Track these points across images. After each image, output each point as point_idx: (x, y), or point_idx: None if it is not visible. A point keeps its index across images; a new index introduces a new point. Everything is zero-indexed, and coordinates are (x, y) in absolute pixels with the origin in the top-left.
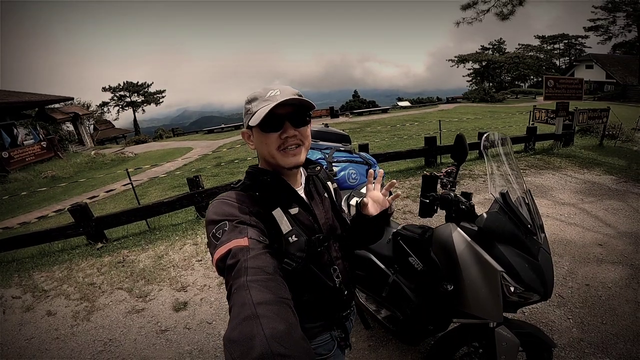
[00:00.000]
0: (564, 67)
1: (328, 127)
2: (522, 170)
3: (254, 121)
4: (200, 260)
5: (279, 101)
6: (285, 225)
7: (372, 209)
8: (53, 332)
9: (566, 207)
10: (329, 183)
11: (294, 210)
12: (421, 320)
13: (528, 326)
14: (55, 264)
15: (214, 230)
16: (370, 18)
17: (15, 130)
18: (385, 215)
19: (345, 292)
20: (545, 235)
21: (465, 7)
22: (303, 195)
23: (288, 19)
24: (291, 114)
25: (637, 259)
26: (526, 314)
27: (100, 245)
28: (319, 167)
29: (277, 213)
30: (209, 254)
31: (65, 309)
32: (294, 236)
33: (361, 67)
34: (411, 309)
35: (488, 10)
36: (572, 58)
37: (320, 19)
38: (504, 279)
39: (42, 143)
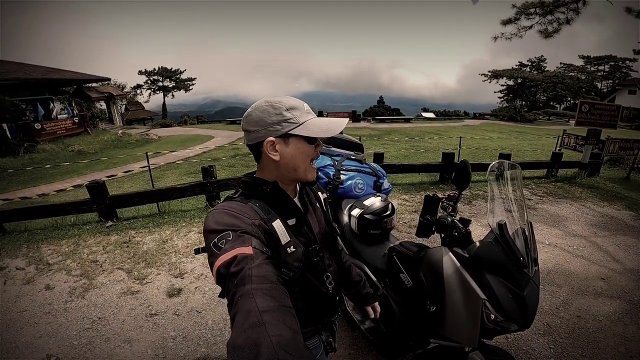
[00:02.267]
0: (605, 90)
1: (342, 133)
2: (539, 197)
3: (317, 132)
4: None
5: (346, 120)
6: (284, 237)
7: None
8: (46, 307)
9: (577, 239)
10: (319, 193)
11: (291, 221)
12: (403, 336)
13: (502, 353)
14: (64, 238)
15: (215, 239)
16: (402, 25)
17: (51, 105)
18: None
19: (337, 297)
20: (537, 269)
21: (505, 22)
22: (299, 205)
23: (317, 19)
24: None
25: (636, 296)
26: (509, 339)
27: (110, 223)
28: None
29: (277, 224)
30: None
31: (64, 284)
32: (292, 247)
33: (388, 74)
34: (395, 324)
35: (531, 27)
36: (616, 81)
37: (350, 22)
38: (485, 307)
39: (74, 118)
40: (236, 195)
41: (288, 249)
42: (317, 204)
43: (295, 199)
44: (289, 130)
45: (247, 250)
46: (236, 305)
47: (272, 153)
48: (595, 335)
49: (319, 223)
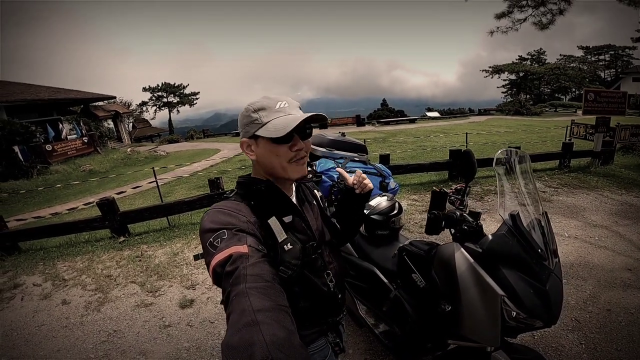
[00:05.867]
0: (609, 79)
1: (345, 135)
2: (553, 189)
3: (271, 133)
4: None
5: (305, 116)
6: (280, 234)
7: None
8: (63, 321)
9: (598, 229)
10: (315, 191)
11: (288, 219)
12: (419, 338)
13: (529, 352)
14: (79, 255)
15: (211, 238)
16: (398, 25)
17: (60, 125)
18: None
19: (339, 296)
20: (558, 261)
21: (499, 16)
22: (296, 202)
23: (313, 23)
24: (300, 127)
25: None
26: (536, 337)
27: (122, 239)
28: (310, 175)
29: (273, 222)
30: None
31: (80, 298)
32: (289, 244)
33: (388, 76)
34: (410, 326)
35: (525, 20)
36: (619, 70)
37: (346, 24)
38: (505, 304)
39: (83, 138)
40: (231, 195)
41: (285, 246)
42: (314, 201)
43: (292, 197)
44: (255, 132)
45: (242, 248)
46: (231, 304)
47: (249, 153)
48: (629, 329)
49: (317, 220)
